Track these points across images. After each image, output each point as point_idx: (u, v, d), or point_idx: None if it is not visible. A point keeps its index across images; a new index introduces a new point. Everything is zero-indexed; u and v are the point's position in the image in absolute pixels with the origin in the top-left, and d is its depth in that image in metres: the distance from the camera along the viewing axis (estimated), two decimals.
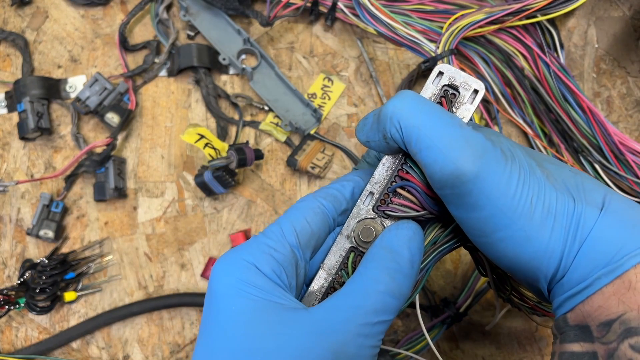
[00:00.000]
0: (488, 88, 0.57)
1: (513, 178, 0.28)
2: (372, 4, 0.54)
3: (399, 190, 0.33)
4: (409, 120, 0.30)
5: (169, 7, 0.62)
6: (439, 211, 0.32)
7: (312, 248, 0.33)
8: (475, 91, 0.32)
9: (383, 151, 0.33)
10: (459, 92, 0.32)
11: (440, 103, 0.32)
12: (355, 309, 0.29)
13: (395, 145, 0.31)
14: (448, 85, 0.32)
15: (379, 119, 0.31)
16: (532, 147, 0.56)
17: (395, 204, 0.33)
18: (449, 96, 0.32)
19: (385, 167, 0.33)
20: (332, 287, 0.34)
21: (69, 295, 0.53)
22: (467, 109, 0.32)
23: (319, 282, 0.34)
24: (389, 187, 0.33)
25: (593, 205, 0.29)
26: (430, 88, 0.33)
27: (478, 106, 0.56)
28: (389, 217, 0.33)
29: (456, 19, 0.53)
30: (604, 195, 0.29)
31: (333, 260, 0.34)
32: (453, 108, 0.32)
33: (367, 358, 0.29)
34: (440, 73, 0.33)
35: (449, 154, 0.28)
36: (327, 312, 0.29)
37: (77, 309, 0.54)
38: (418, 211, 0.32)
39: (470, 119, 0.33)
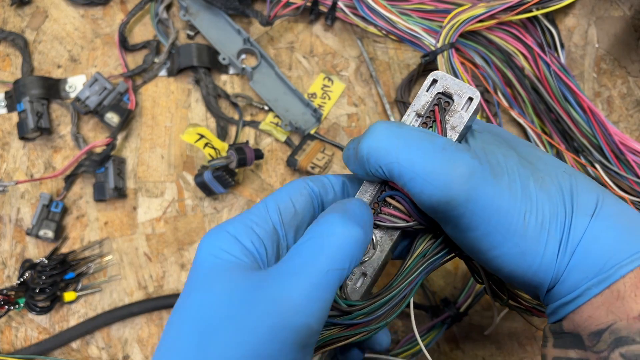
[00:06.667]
0: (490, 85, 0.57)
1: (504, 195, 0.28)
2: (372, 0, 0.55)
3: (389, 200, 0.32)
4: (386, 157, 0.29)
5: (168, 7, 0.62)
6: (429, 221, 0.32)
7: (295, 228, 0.32)
8: (470, 99, 0.31)
9: (373, 181, 0.33)
10: (453, 100, 0.31)
11: (434, 111, 0.32)
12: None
13: (381, 179, 0.31)
14: (442, 93, 0.32)
15: (357, 158, 0.31)
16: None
17: (385, 214, 0.32)
18: (442, 104, 0.32)
19: None
20: None
21: (68, 296, 0.53)
22: (460, 117, 0.31)
23: None
24: (379, 197, 0.33)
25: (584, 214, 0.28)
26: (424, 96, 0.32)
27: (483, 110, 0.56)
28: (377, 227, 0.33)
29: (456, 13, 0.53)
30: (597, 199, 0.29)
31: None
32: (447, 116, 0.31)
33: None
34: (435, 81, 0.32)
35: (434, 182, 0.27)
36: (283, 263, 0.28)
37: (77, 309, 0.54)
38: (407, 221, 0.32)
39: (470, 126, 0.32)
